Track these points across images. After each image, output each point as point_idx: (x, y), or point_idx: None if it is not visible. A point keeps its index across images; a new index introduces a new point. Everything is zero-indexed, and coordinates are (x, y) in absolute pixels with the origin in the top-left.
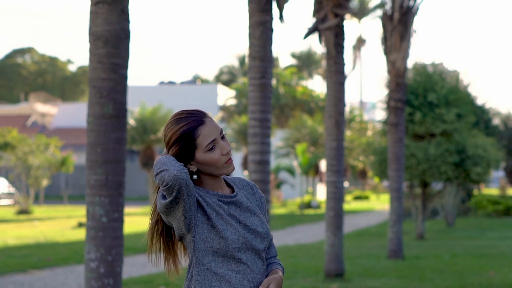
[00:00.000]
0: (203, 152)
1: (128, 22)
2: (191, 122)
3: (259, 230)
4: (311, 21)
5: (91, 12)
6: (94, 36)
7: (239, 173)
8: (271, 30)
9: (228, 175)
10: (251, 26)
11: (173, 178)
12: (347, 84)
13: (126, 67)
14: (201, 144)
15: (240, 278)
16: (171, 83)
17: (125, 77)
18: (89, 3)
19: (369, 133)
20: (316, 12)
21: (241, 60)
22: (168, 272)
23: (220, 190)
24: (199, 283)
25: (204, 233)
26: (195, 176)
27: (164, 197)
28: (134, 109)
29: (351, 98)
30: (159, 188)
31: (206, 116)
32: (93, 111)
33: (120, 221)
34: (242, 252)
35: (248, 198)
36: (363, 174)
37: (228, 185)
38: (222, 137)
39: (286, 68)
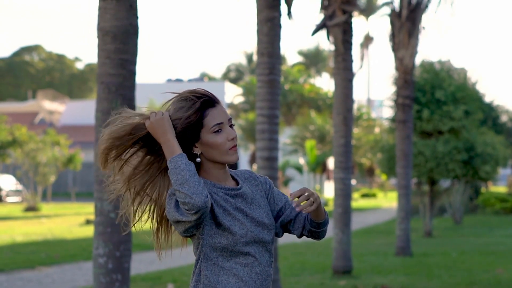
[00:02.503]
0: (209, 133)
1: (137, 17)
2: (202, 101)
3: (265, 222)
4: (318, 18)
5: (100, 8)
6: (102, 32)
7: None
8: (279, 27)
9: (233, 165)
10: (259, 23)
11: (198, 209)
12: (355, 82)
13: (134, 63)
14: (207, 124)
15: (248, 271)
16: (178, 80)
17: (133, 73)
18: None
19: (377, 130)
20: (324, 9)
21: (249, 58)
22: (159, 247)
23: (225, 182)
24: (207, 277)
25: (213, 229)
26: (198, 159)
27: (177, 206)
28: (142, 106)
29: (358, 96)
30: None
31: (219, 101)
32: (101, 107)
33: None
34: (250, 245)
35: (252, 190)
36: (370, 172)
37: (232, 177)
38: (231, 126)
39: (293, 65)
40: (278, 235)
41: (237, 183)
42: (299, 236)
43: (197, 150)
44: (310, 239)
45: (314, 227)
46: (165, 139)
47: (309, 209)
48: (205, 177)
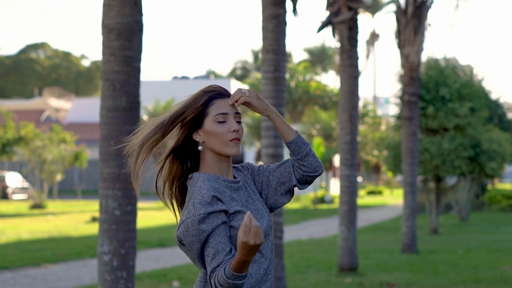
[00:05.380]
0: (212, 122)
1: (141, 14)
2: (213, 93)
3: (265, 214)
4: (324, 15)
5: (104, 5)
6: (107, 29)
7: None
8: (285, 23)
9: (234, 160)
10: (264, 20)
11: None
12: (361, 79)
13: (139, 60)
14: (211, 112)
15: (257, 268)
16: (184, 78)
17: (138, 70)
18: None
19: (383, 128)
20: (329, 6)
21: (255, 55)
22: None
23: (227, 176)
24: None
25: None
26: (200, 147)
27: (201, 254)
28: (148, 104)
29: (364, 93)
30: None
31: (230, 96)
32: (106, 104)
33: (133, 214)
34: None
35: (246, 181)
36: (376, 169)
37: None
38: (238, 122)
39: (299, 63)
40: (281, 203)
41: (234, 177)
42: (300, 182)
43: (198, 138)
44: (316, 237)
45: (294, 153)
46: (241, 256)
47: (241, 99)
48: (208, 171)
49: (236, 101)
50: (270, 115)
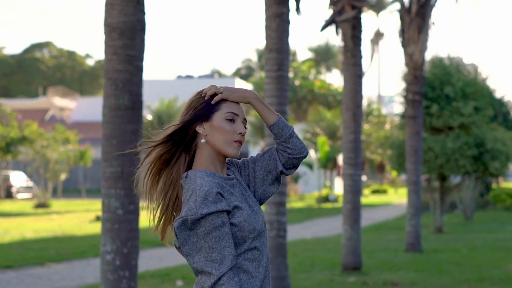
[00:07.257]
0: (221, 118)
1: (144, 13)
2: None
3: (259, 211)
4: (327, 13)
5: (107, 4)
6: (109, 28)
7: None
8: (288, 22)
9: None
10: (267, 18)
11: None
12: (366, 78)
13: (141, 59)
14: (223, 109)
15: (256, 266)
16: (188, 77)
17: (140, 69)
18: None
19: (387, 126)
20: (333, 4)
21: (260, 54)
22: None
23: (221, 173)
24: None
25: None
26: (203, 140)
27: (193, 249)
28: (152, 104)
29: (369, 92)
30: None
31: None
32: (108, 103)
33: (135, 213)
34: (256, 240)
35: (237, 178)
36: (381, 168)
37: None
38: (244, 127)
39: (303, 62)
40: (270, 192)
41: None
42: (285, 167)
43: (202, 130)
44: (320, 235)
45: (278, 136)
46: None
47: (218, 96)
48: (204, 168)
49: (211, 95)
50: (250, 102)
